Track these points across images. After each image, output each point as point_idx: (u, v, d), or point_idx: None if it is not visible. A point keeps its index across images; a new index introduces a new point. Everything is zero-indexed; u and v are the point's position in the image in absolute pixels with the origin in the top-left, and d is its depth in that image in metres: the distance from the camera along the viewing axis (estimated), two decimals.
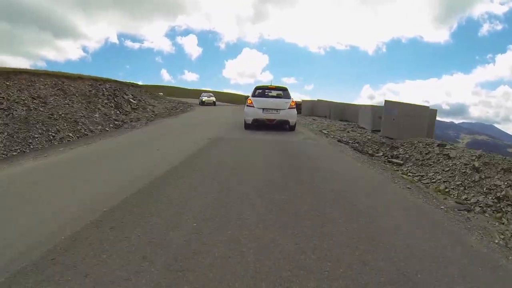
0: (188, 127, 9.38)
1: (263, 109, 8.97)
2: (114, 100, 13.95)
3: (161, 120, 11.12)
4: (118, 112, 12.88)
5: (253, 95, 9.80)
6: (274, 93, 10.14)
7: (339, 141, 7.22)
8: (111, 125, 10.43)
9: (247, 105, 9.47)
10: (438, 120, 13.44)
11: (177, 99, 27.01)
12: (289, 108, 9.07)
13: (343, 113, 17.13)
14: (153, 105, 16.46)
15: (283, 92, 9.95)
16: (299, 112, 23.15)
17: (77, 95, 12.90)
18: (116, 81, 19.17)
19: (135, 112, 13.71)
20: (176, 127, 9.28)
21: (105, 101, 13.43)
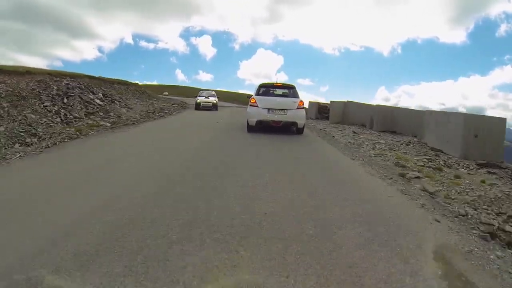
0: (102, 172, 3.88)
1: (268, 109, 7.85)
2: (63, 102, 9.89)
3: (98, 137, 6.52)
4: (59, 119, 8.76)
5: (257, 94, 8.36)
6: (280, 91, 8.77)
7: None
8: (17, 145, 6.23)
9: (250, 105, 8.18)
10: None
11: (177, 99, 23.06)
12: (297, 108, 7.96)
13: (392, 121, 11.89)
14: (128, 107, 12.32)
15: (290, 91, 8.63)
16: (325, 117, 17.90)
17: (3, 95, 8.97)
18: (92, 77, 15.35)
19: (89, 118, 9.56)
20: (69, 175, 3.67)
21: (46, 103, 9.39)
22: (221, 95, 22.26)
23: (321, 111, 18.60)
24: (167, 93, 29.99)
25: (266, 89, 8.60)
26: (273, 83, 8.91)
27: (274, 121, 7.81)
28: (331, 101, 16.52)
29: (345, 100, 15.99)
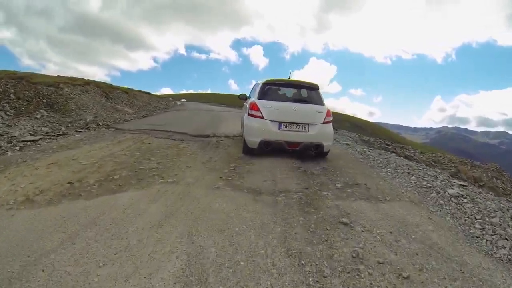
0: None
1: (280, 122, 5.20)
2: None
3: None
4: None
5: (260, 97, 5.55)
6: (292, 94, 5.90)
7: None
8: None
9: (248, 114, 5.40)
10: None
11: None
12: (324, 122, 5.35)
13: None
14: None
15: (312, 93, 5.80)
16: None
17: None
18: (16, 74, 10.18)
19: None
20: None
21: None
22: None
23: None
24: (184, 100, 29.73)
25: (273, 89, 5.78)
26: (285, 80, 5.96)
27: (289, 143, 5.20)
28: None
29: None
